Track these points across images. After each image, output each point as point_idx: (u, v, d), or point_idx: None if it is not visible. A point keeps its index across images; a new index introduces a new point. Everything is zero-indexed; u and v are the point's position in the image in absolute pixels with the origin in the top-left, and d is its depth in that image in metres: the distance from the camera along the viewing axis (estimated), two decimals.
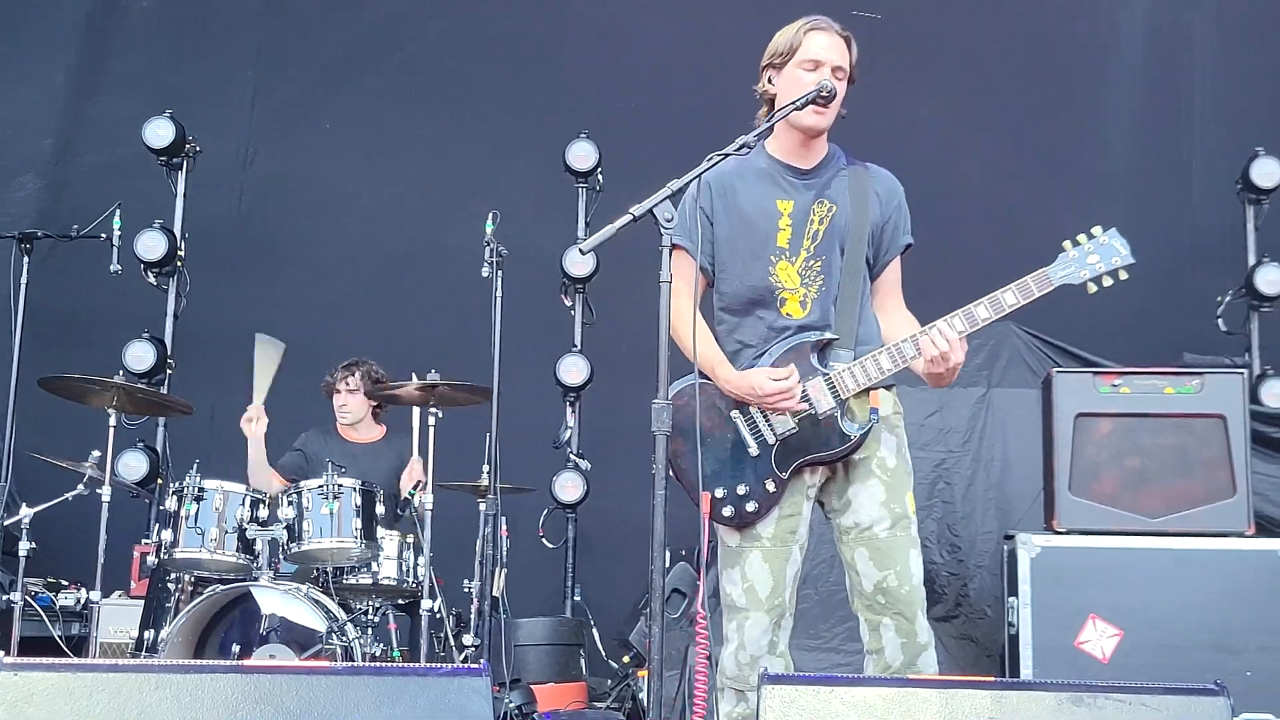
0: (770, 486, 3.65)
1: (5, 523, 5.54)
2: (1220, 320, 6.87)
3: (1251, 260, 6.86)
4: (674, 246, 3.52)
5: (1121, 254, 3.60)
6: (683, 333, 3.64)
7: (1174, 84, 7.87)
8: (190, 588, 5.41)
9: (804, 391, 3.62)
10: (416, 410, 5.59)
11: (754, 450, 3.66)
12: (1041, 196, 7.51)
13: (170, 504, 5.31)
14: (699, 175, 3.77)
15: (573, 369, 7.19)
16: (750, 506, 3.65)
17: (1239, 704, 4.50)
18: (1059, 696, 3.04)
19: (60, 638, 5.94)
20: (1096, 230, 3.64)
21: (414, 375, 5.35)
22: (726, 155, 3.81)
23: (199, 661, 4.90)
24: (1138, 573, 4.83)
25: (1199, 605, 4.80)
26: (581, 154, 7.23)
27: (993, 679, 3.78)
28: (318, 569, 5.49)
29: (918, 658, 3.61)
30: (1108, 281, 3.63)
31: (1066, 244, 3.63)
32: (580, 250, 6.83)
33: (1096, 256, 3.60)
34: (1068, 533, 4.94)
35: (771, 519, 3.66)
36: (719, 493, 3.65)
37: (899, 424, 3.78)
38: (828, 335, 3.68)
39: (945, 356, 3.59)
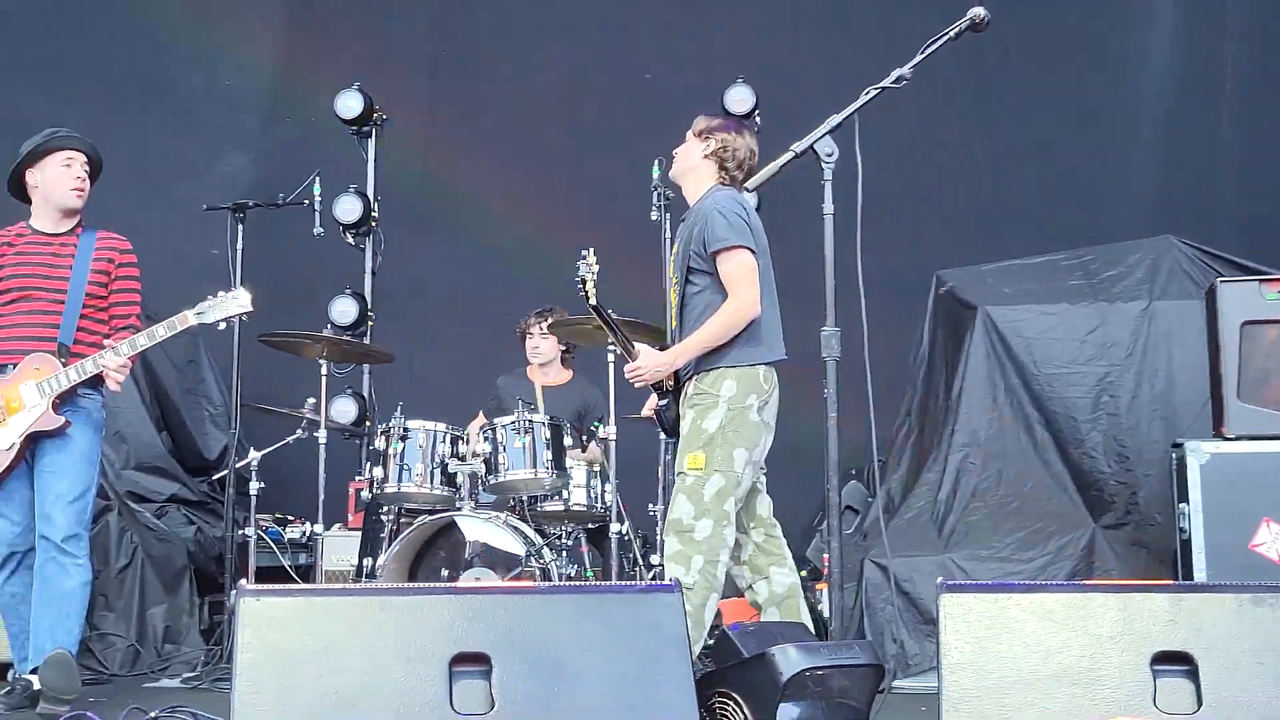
0: None
1: (236, 466, 5.74)
2: None
3: None
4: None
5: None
6: None
7: None
8: (401, 519, 5.55)
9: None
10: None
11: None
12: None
13: (379, 443, 5.45)
14: (857, 110, 3.70)
15: None
16: None
17: None
18: (1239, 598, 2.92)
19: (290, 567, 6.17)
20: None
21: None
22: (883, 89, 3.75)
23: (418, 585, 5.02)
24: None
25: None
26: (739, 98, 7.12)
27: (1171, 582, 3.65)
28: (514, 498, 5.58)
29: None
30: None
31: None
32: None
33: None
34: (1237, 439, 4.72)
35: None
36: None
37: (699, 403, 4.37)
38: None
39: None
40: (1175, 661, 2.91)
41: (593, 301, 4.44)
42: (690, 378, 4.44)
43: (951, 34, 3.73)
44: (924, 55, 3.73)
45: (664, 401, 4.56)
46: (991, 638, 2.97)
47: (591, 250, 4.45)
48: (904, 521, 5.45)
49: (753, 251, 4.38)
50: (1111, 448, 5.40)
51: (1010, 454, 5.49)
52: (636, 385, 4.61)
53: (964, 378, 5.59)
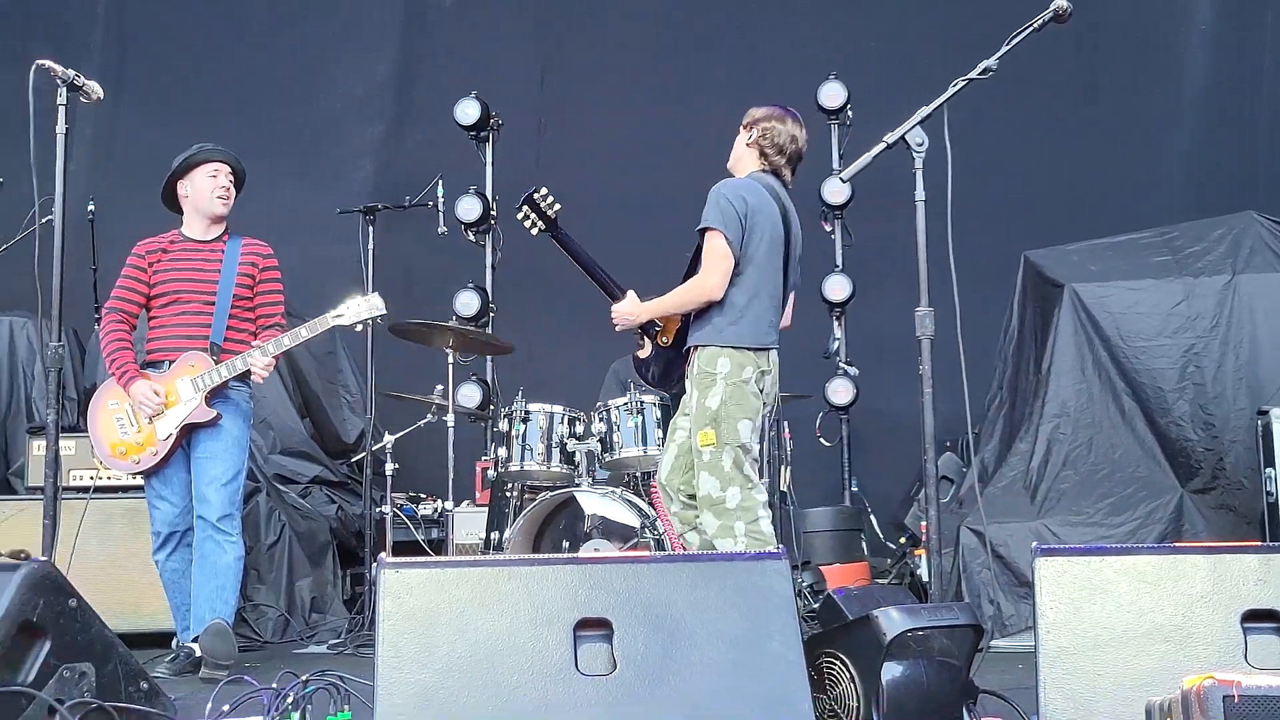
0: None
1: (373, 449, 5.86)
2: None
3: None
4: None
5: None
6: None
7: None
8: (524, 495, 5.63)
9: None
10: None
11: None
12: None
13: (503, 425, 5.53)
14: (946, 101, 3.67)
15: (837, 287, 7.13)
16: None
17: None
18: None
19: (423, 541, 6.27)
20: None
21: None
22: (970, 80, 3.71)
23: (542, 555, 5.10)
24: None
25: None
26: (832, 93, 7.10)
27: (1259, 543, 3.58)
28: (628, 474, 5.63)
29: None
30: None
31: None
32: (841, 179, 6.73)
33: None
34: None
35: None
36: None
37: (700, 381, 4.32)
38: None
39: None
40: (1265, 619, 2.86)
41: (535, 231, 4.69)
42: (691, 349, 4.42)
43: (1036, 25, 3.68)
44: (1009, 46, 3.69)
45: (649, 354, 4.62)
46: (1085, 598, 2.94)
47: (543, 188, 4.69)
48: (998, 490, 5.39)
49: (728, 239, 4.30)
50: (1198, 416, 5.28)
51: (1099, 424, 5.39)
52: (617, 329, 4.64)
53: (1053, 352, 5.51)
